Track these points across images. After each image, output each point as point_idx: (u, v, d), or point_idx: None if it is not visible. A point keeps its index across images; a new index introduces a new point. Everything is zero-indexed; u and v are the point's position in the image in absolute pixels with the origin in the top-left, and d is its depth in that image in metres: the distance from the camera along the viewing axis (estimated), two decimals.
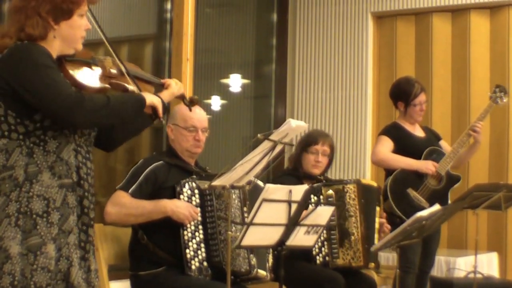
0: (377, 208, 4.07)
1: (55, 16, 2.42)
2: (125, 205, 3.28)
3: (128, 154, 5.33)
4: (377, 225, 4.02)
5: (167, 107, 2.71)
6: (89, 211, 2.48)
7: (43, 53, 2.36)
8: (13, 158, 2.35)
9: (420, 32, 6.24)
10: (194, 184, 3.39)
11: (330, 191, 3.97)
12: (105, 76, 2.53)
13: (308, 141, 4.19)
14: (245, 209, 3.40)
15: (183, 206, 3.31)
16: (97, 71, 2.52)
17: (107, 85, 2.52)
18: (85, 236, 2.47)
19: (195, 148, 3.55)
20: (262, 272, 3.43)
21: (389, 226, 4.07)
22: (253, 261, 3.38)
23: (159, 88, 2.78)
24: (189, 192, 3.37)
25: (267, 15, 6.81)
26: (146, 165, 3.42)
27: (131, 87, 2.55)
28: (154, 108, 2.59)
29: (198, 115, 3.54)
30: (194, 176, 3.44)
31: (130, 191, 3.32)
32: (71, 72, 2.44)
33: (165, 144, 4.75)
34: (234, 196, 3.38)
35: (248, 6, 6.94)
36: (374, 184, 4.22)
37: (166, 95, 2.71)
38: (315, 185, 4.02)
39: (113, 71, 2.55)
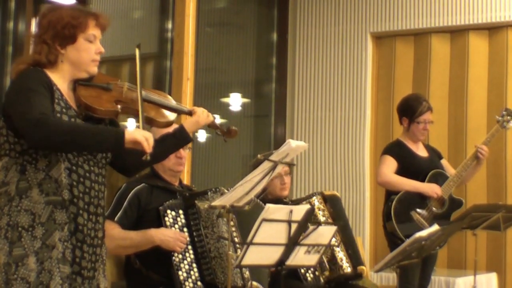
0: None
1: (60, 41, 2.56)
2: (113, 237, 3.22)
3: None
4: None
5: (186, 136, 2.81)
6: (84, 228, 2.51)
7: (34, 78, 2.48)
8: (10, 174, 2.47)
9: (419, 52, 6.26)
10: (178, 205, 3.40)
11: None
12: (119, 101, 2.63)
13: None
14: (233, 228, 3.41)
15: (171, 234, 3.31)
16: (111, 95, 2.63)
17: (118, 109, 2.61)
18: (80, 252, 2.50)
19: (177, 166, 3.54)
20: (256, 284, 3.44)
21: None
22: (246, 274, 3.40)
23: (185, 115, 2.88)
24: (173, 213, 3.38)
25: (267, 35, 6.84)
26: (129, 189, 3.43)
27: (140, 113, 2.60)
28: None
29: None
30: (178, 197, 3.45)
31: (116, 218, 3.33)
32: (82, 95, 2.56)
33: None
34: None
35: (249, 26, 6.98)
36: (337, 193, 4.37)
37: (188, 123, 2.84)
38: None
39: (128, 96, 2.65)
